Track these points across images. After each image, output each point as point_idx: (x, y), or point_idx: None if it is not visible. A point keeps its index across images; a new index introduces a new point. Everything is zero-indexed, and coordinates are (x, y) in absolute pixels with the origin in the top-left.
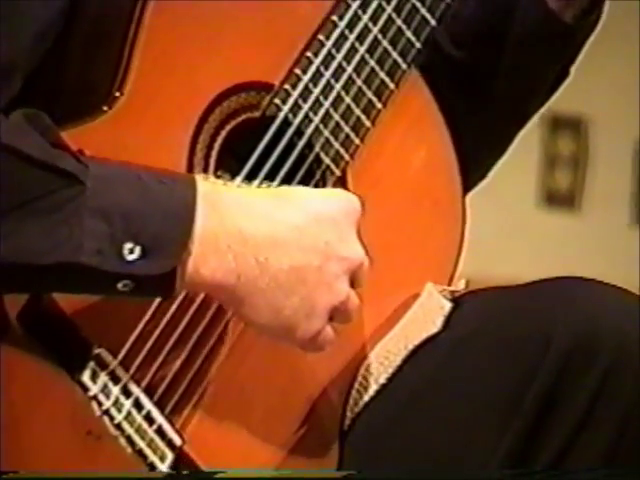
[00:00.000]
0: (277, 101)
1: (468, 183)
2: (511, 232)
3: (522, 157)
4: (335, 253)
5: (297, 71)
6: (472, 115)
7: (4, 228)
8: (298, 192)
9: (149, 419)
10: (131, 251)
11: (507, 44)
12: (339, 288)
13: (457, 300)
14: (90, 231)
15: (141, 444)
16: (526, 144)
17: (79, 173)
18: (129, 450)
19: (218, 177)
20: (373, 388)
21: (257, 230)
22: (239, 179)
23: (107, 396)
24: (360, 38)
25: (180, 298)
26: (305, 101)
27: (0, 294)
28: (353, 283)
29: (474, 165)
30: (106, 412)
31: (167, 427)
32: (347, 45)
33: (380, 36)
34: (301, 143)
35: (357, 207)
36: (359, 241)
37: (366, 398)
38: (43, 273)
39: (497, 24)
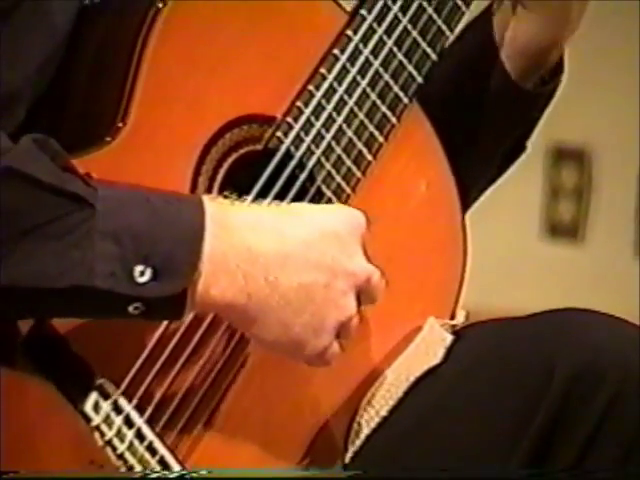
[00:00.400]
0: (279, 134)
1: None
2: (514, 263)
3: (525, 188)
4: (341, 269)
5: (299, 104)
6: None
7: (17, 253)
8: (304, 208)
9: (152, 450)
10: (142, 273)
11: (466, 112)
12: (346, 304)
13: (458, 333)
14: (101, 254)
15: None
16: (529, 175)
17: (88, 196)
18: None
19: (225, 197)
20: (374, 420)
21: (266, 248)
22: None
23: (110, 426)
24: (362, 71)
25: (182, 329)
26: (307, 134)
27: (8, 320)
28: (360, 298)
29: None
30: (109, 442)
31: (169, 458)
32: (349, 78)
33: (382, 70)
34: (303, 176)
35: (362, 222)
36: (365, 256)
37: (367, 431)
38: (55, 297)
39: (456, 86)
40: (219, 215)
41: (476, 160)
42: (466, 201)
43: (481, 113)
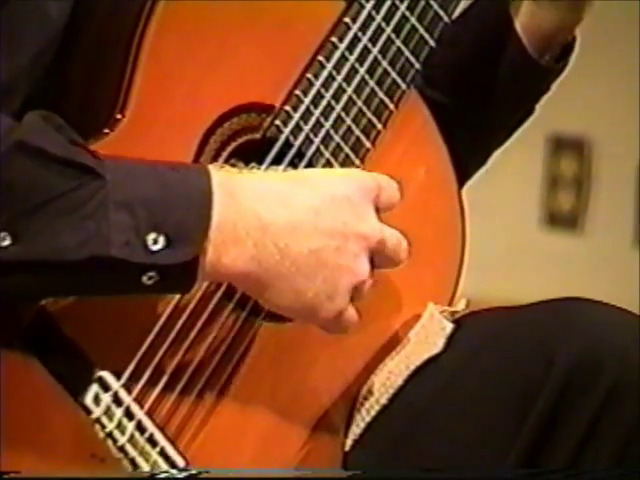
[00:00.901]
0: (278, 123)
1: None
2: (513, 253)
3: (525, 178)
4: (353, 232)
5: (298, 92)
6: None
7: (32, 227)
8: (313, 174)
9: (152, 441)
10: (155, 241)
11: (481, 86)
12: (359, 267)
13: (458, 321)
14: (116, 224)
15: (144, 466)
16: (529, 165)
17: (99, 168)
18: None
19: (232, 166)
20: (375, 409)
21: (275, 215)
22: None
23: (110, 419)
24: (360, 59)
25: (182, 321)
26: (306, 123)
27: (23, 301)
28: (374, 260)
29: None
30: (109, 435)
31: (170, 449)
32: (347, 66)
33: (380, 57)
34: (302, 164)
35: (372, 185)
36: (377, 218)
37: (368, 419)
38: (72, 270)
39: (470, 66)
40: (226, 183)
41: (490, 128)
42: (479, 163)
43: (497, 85)
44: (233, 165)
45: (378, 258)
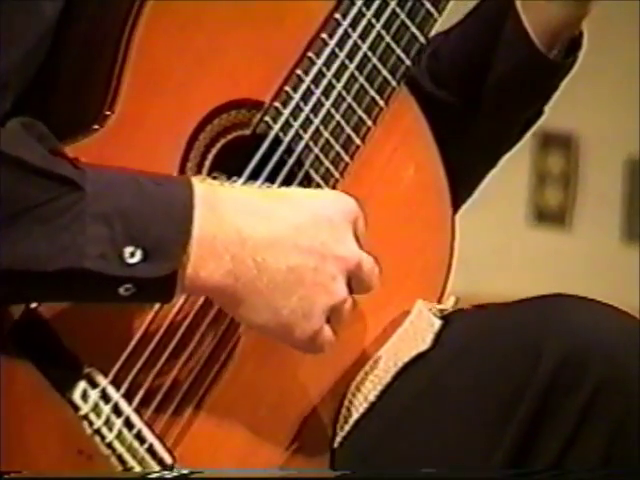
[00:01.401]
0: (267, 119)
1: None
2: (501, 249)
3: (512, 174)
4: (331, 253)
5: (287, 89)
6: (450, 150)
7: (7, 237)
8: (295, 192)
9: (140, 438)
10: (132, 254)
11: (490, 82)
12: (336, 288)
13: (447, 318)
14: (92, 236)
15: (132, 463)
16: (516, 161)
17: (78, 179)
18: (120, 469)
19: (214, 178)
20: (363, 406)
21: (254, 230)
22: None
23: (98, 415)
24: (350, 55)
25: (171, 317)
26: (295, 119)
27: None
28: (351, 284)
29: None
30: (97, 431)
31: (158, 446)
32: (337, 63)
33: (370, 53)
34: (291, 161)
35: (353, 208)
36: (355, 242)
37: (356, 416)
38: (47, 280)
39: (478, 62)
40: (208, 196)
41: (501, 127)
42: (490, 163)
43: (503, 89)
44: (215, 178)
45: (354, 282)
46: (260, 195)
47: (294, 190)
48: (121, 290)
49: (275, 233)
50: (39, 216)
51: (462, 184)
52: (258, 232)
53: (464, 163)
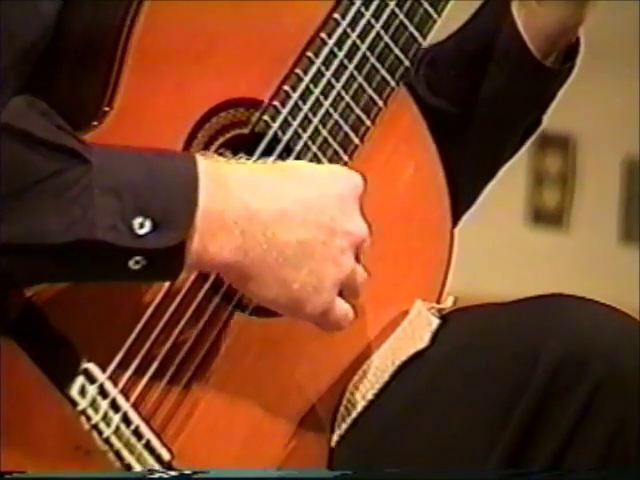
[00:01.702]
0: (266, 118)
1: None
2: (499, 250)
3: (510, 175)
4: (340, 228)
5: (286, 88)
6: (448, 159)
7: (18, 210)
8: (302, 168)
9: (138, 434)
10: (141, 225)
11: (486, 90)
12: (345, 262)
13: (445, 317)
14: (102, 208)
15: (130, 459)
16: (514, 162)
17: (85, 152)
18: (118, 465)
19: (220, 154)
20: (361, 404)
21: (263, 205)
22: None
23: (96, 410)
24: (349, 55)
25: (169, 313)
26: (294, 118)
27: (8, 287)
28: (358, 258)
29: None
30: (95, 427)
31: (156, 442)
32: (336, 62)
33: (369, 53)
34: (290, 160)
35: (359, 184)
36: (362, 216)
37: (354, 414)
38: (58, 255)
39: (475, 70)
40: (214, 171)
41: (499, 136)
42: (490, 173)
43: (499, 97)
44: (221, 155)
45: (360, 255)
46: (267, 170)
47: (301, 164)
48: (131, 263)
49: (283, 208)
50: (47, 189)
51: (461, 194)
52: (266, 207)
53: (462, 173)
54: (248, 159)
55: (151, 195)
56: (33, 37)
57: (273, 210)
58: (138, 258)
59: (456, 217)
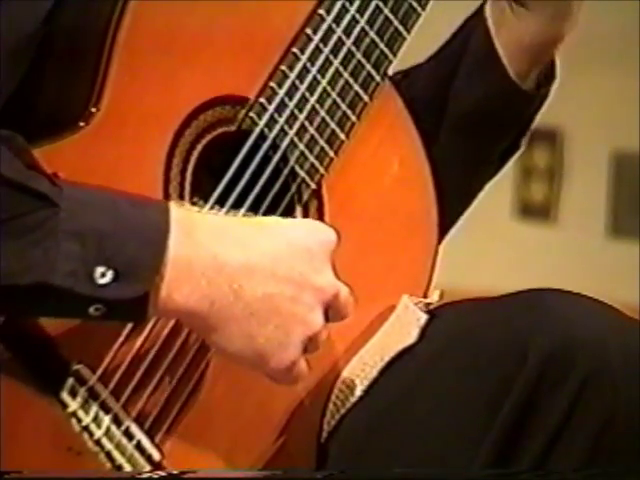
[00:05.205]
0: (252, 115)
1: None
2: (486, 244)
3: None
4: (309, 283)
5: (272, 84)
6: None
7: None
8: (273, 221)
9: (128, 435)
10: (103, 275)
11: (462, 110)
12: (313, 319)
13: (433, 312)
14: (64, 253)
15: (121, 460)
16: None
17: (53, 195)
18: (109, 466)
19: (193, 203)
20: (350, 400)
21: (231, 257)
22: (215, 194)
23: (86, 412)
24: (334, 51)
25: None
26: (280, 115)
27: None
28: (328, 314)
29: None
30: (85, 428)
31: (146, 442)
32: (322, 58)
33: (354, 48)
34: (276, 157)
35: (332, 238)
36: (333, 272)
37: (343, 411)
38: (17, 295)
39: (451, 89)
40: (185, 222)
41: (475, 161)
42: (464, 203)
43: (479, 114)
44: (194, 203)
45: (331, 312)
46: (237, 223)
47: (272, 219)
48: (91, 310)
49: (252, 261)
50: (11, 230)
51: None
52: (235, 259)
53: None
54: (222, 208)
55: (117, 245)
56: (21, 39)
57: (241, 262)
58: (98, 306)
59: (440, 234)
